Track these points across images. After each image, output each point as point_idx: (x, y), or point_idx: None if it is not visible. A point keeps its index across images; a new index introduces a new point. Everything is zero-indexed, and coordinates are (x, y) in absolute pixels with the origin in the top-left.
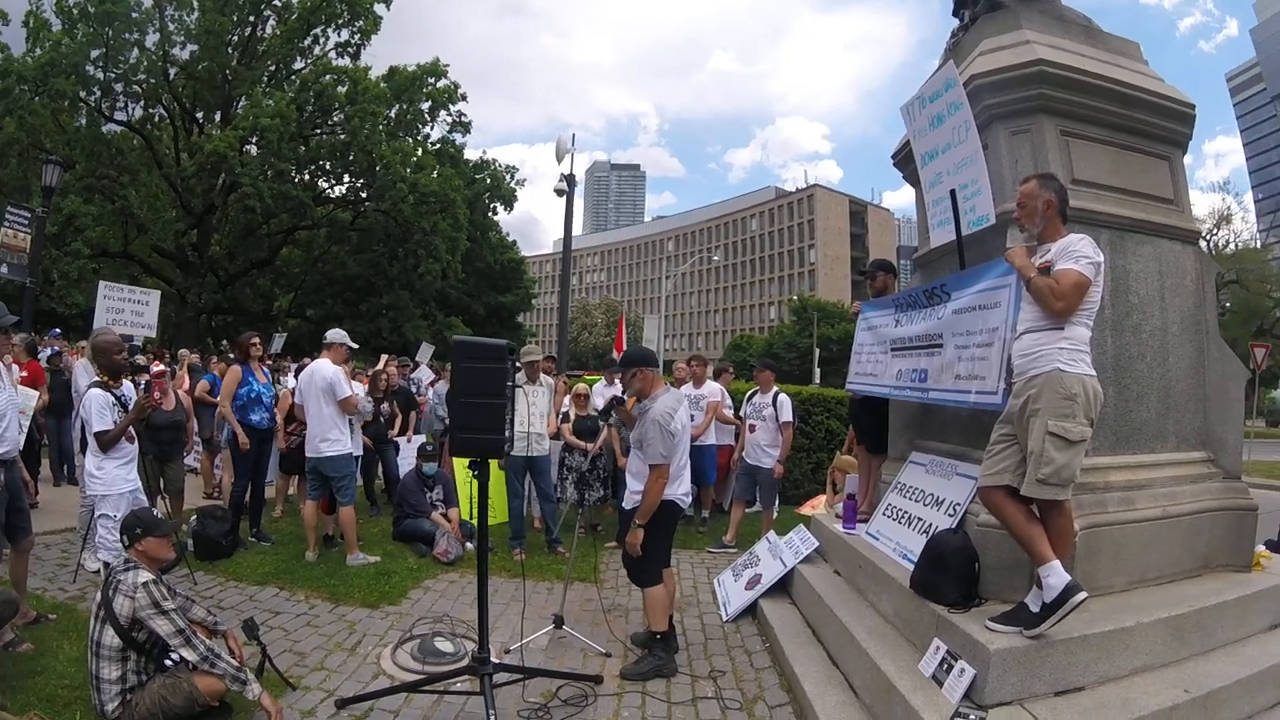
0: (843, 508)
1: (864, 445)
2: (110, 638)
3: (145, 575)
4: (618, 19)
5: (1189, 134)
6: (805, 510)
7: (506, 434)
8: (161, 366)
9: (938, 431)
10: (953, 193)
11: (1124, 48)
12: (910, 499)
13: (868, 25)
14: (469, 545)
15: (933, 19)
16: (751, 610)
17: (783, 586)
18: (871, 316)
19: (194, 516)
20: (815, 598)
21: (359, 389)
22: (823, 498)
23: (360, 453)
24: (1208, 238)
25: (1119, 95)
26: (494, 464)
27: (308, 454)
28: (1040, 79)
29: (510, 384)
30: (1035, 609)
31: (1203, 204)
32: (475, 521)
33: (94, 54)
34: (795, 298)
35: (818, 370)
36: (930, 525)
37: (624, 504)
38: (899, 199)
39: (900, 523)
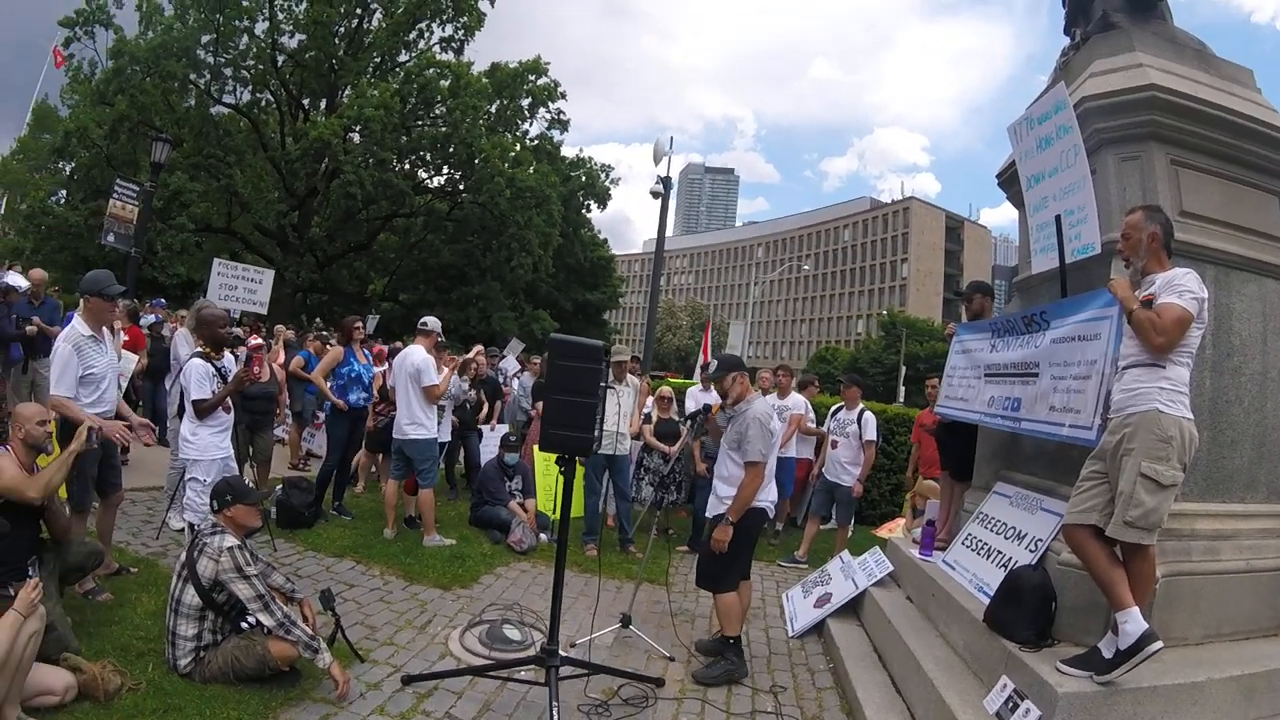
0: (921, 533)
1: (948, 471)
2: (191, 596)
3: (231, 540)
4: (720, 23)
5: None
6: (882, 532)
7: (595, 433)
8: (259, 340)
9: (1025, 463)
10: (1058, 219)
11: (1237, 74)
12: (991, 530)
13: (975, 38)
14: (543, 537)
15: (1041, 34)
16: (818, 628)
17: (852, 607)
18: (966, 339)
19: (279, 486)
20: (884, 622)
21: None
22: (901, 521)
23: (448, 438)
24: None
25: (1232, 125)
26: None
27: (394, 435)
28: (1152, 104)
29: (603, 384)
30: (1108, 655)
31: None
32: (554, 515)
33: (204, 39)
34: (885, 312)
35: (903, 388)
36: (1009, 559)
37: (707, 511)
38: (997, 217)
39: (979, 554)
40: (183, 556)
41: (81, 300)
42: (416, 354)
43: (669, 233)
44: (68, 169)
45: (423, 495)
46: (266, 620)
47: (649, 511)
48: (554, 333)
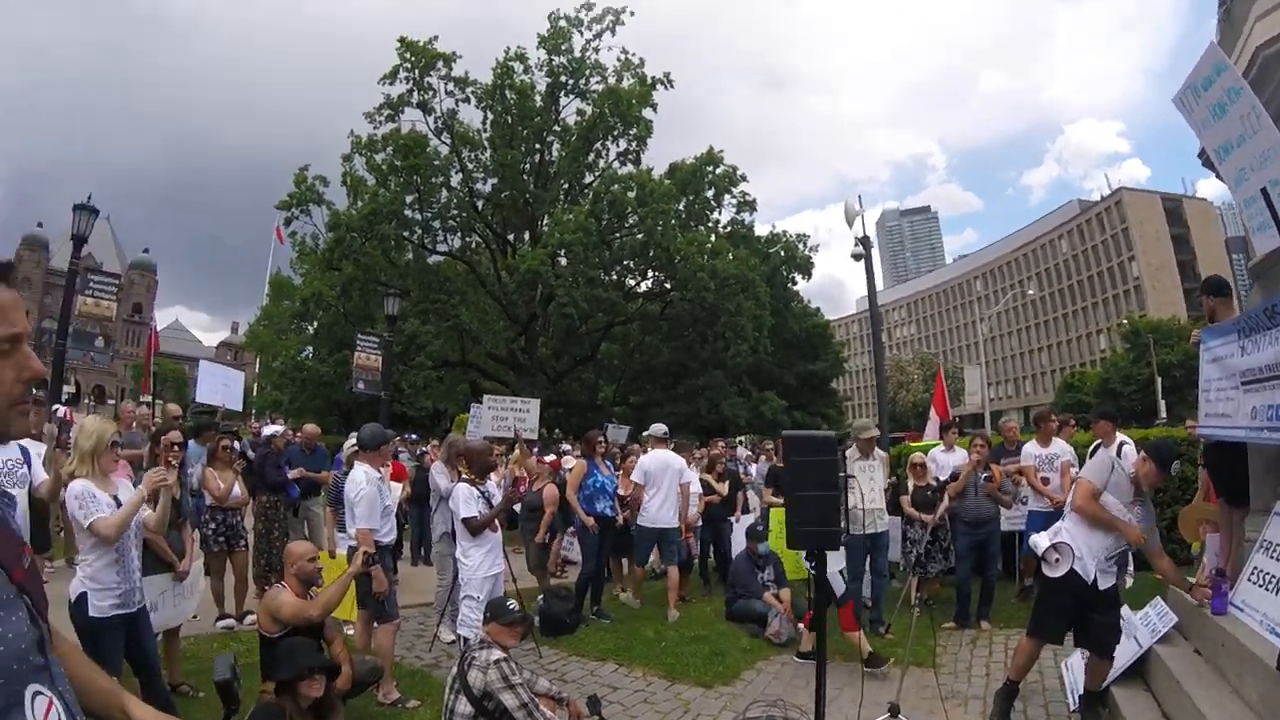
0: (1211, 584)
1: (1223, 497)
2: (464, 706)
3: (497, 653)
4: (875, 63)
5: None
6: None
7: (842, 524)
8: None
9: None
10: (1264, 191)
11: None
12: (1278, 559)
13: (1129, 5)
14: (802, 627)
15: None
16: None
17: (1137, 670)
18: (1214, 346)
19: (540, 596)
20: (1172, 683)
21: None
22: None
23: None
24: None
25: None
26: None
27: (650, 524)
28: None
29: (842, 474)
30: None
31: None
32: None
33: (408, 199)
34: (1124, 321)
35: (1162, 402)
36: None
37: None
38: (1215, 185)
39: (1269, 590)
40: (454, 669)
41: (363, 450)
42: (677, 461)
43: (878, 287)
44: (310, 329)
45: (671, 572)
46: None
47: (908, 586)
48: (785, 430)
